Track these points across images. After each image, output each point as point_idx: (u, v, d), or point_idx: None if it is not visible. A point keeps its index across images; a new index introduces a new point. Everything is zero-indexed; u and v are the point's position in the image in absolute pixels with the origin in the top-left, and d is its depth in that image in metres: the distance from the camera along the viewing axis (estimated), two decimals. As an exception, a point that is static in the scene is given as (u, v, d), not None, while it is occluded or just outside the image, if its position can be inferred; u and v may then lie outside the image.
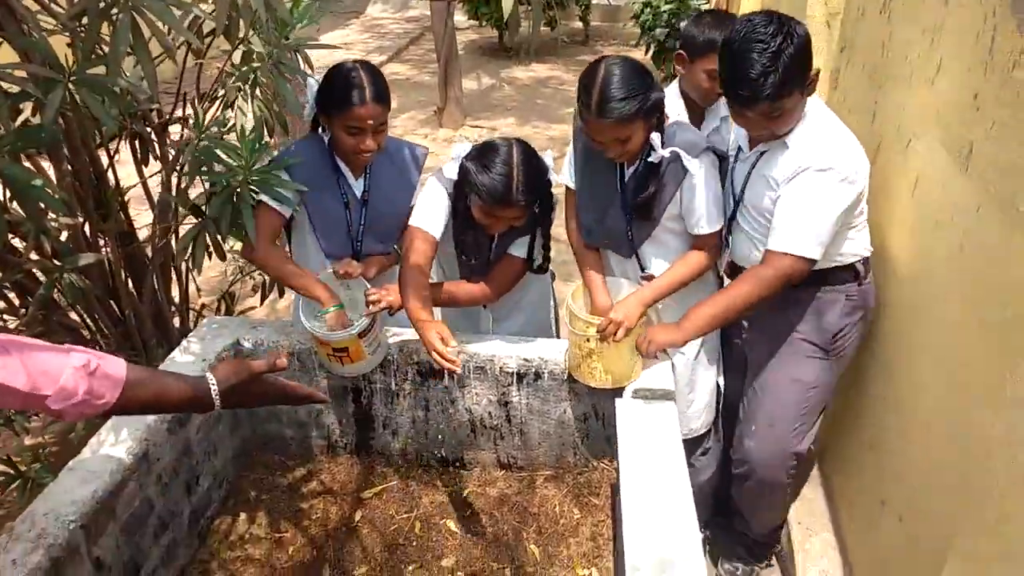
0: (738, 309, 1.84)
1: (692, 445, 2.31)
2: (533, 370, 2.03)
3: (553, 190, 2.04)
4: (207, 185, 2.04)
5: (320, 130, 2.10)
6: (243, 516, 2.02)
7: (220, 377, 1.17)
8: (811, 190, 1.76)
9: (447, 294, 2.08)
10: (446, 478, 2.15)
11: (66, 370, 1.03)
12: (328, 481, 2.14)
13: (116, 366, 1.06)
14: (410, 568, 1.86)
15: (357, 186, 2.10)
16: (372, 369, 2.07)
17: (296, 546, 1.92)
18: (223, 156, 1.94)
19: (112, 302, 2.31)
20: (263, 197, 1.99)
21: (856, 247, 1.94)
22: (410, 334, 2.13)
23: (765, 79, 1.65)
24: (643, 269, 2.11)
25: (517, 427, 2.12)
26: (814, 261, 1.79)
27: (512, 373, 2.04)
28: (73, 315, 2.31)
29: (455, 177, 1.94)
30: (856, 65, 2.55)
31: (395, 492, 2.10)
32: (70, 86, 1.64)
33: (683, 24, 2.37)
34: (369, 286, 1.99)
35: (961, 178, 1.62)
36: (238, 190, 1.94)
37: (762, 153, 1.88)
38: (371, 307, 1.90)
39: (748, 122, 1.80)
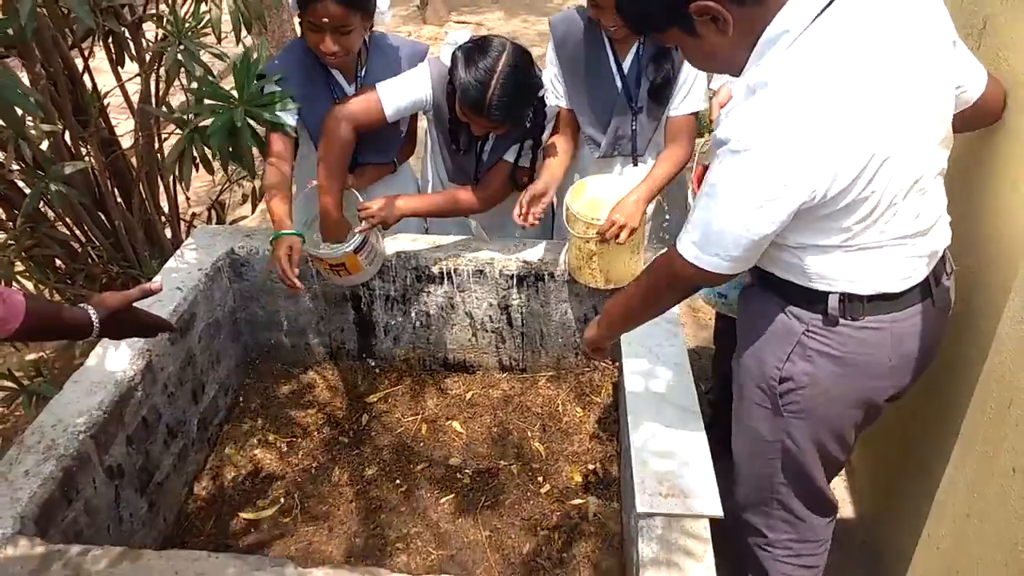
0: (638, 310, 1.43)
1: None
2: (533, 273, 2.02)
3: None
4: (190, 96, 1.89)
5: None
6: (251, 423, 2.05)
7: (95, 304, 1.27)
8: (721, 178, 1.18)
9: (438, 204, 2.02)
10: (449, 381, 2.17)
11: None
12: (333, 387, 2.16)
13: (17, 296, 1.16)
14: (419, 467, 1.90)
15: (350, 91, 1.97)
16: (371, 277, 2.05)
17: (306, 450, 1.96)
18: (205, 60, 1.82)
19: (101, 213, 2.26)
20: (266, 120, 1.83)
21: (833, 270, 1.27)
22: (407, 240, 2.10)
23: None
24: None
25: (518, 330, 2.12)
26: (720, 275, 1.24)
27: (512, 276, 2.03)
28: (63, 228, 2.26)
29: (449, 64, 1.85)
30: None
31: (400, 396, 2.12)
32: None
33: None
34: (361, 199, 1.93)
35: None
36: (236, 123, 1.77)
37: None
38: (363, 223, 1.85)
39: None
